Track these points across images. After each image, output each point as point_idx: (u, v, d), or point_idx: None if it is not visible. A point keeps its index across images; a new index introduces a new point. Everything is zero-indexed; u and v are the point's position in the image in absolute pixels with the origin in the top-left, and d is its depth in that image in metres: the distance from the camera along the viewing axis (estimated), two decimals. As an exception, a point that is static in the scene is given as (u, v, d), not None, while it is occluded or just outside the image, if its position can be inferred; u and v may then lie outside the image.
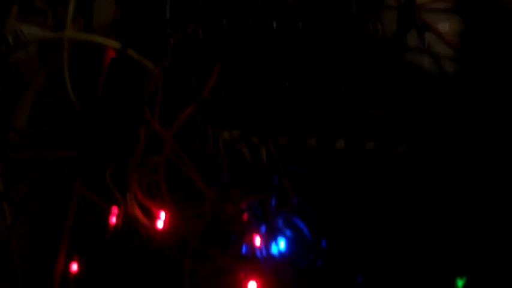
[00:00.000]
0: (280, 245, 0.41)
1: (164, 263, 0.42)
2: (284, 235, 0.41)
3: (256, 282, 0.40)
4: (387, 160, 0.42)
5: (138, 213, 0.42)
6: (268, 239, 0.41)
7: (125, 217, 0.43)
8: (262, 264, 0.41)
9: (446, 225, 0.40)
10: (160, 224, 0.42)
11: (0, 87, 0.48)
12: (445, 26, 0.45)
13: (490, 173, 0.40)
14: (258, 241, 0.41)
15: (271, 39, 0.46)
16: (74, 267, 0.43)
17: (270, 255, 0.41)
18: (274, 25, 0.46)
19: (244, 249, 0.42)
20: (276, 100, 0.45)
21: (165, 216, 0.42)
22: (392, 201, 0.41)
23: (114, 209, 0.44)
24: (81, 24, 0.52)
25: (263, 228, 0.41)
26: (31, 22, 0.50)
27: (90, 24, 0.51)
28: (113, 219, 0.44)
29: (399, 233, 0.40)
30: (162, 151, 0.41)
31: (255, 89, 0.46)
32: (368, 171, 0.42)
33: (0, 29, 0.47)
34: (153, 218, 0.42)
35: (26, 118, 0.52)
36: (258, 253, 0.41)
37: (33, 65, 0.50)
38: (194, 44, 0.45)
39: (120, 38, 0.47)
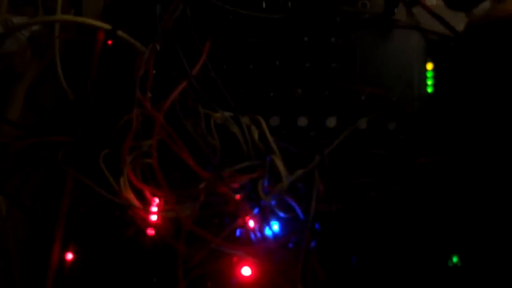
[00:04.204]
0: (274, 227, 0.41)
1: (159, 248, 0.43)
2: (277, 217, 0.41)
3: (250, 265, 0.41)
4: (380, 140, 0.43)
5: (132, 197, 0.42)
6: (262, 221, 0.41)
7: (119, 203, 0.43)
8: (256, 246, 0.41)
9: (441, 203, 0.40)
10: (154, 208, 0.42)
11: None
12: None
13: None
14: (251, 223, 0.41)
15: (260, 18, 0.46)
16: (69, 256, 0.44)
17: (263, 238, 0.41)
18: (264, 4, 0.47)
19: (238, 232, 0.42)
20: (267, 79, 0.46)
21: (159, 201, 0.43)
22: (386, 181, 0.41)
23: (109, 195, 0.44)
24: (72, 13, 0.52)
25: (256, 210, 0.41)
26: (22, 14, 0.51)
27: (80, 11, 0.51)
28: (108, 206, 0.44)
29: (393, 212, 0.40)
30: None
31: (245, 69, 0.46)
32: (361, 149, 0.42)
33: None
34: (147, 202, 0.42)
35: (20, 110, 0.52)
36: (252, 236, 0.41)
37: (25, 57, 0.51)
38: (184, 24, 0.45)
39: (110, 22, 0.47)
